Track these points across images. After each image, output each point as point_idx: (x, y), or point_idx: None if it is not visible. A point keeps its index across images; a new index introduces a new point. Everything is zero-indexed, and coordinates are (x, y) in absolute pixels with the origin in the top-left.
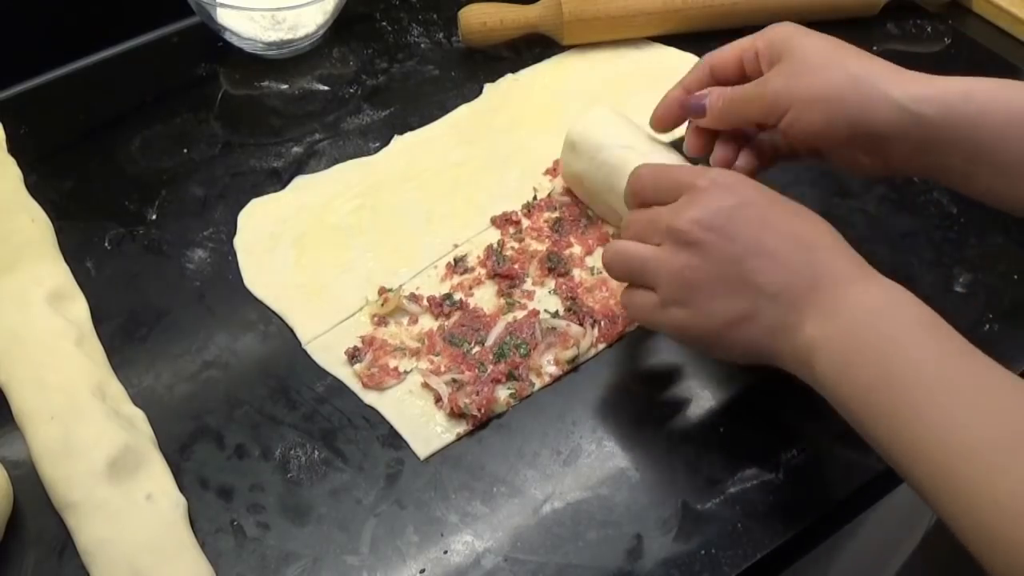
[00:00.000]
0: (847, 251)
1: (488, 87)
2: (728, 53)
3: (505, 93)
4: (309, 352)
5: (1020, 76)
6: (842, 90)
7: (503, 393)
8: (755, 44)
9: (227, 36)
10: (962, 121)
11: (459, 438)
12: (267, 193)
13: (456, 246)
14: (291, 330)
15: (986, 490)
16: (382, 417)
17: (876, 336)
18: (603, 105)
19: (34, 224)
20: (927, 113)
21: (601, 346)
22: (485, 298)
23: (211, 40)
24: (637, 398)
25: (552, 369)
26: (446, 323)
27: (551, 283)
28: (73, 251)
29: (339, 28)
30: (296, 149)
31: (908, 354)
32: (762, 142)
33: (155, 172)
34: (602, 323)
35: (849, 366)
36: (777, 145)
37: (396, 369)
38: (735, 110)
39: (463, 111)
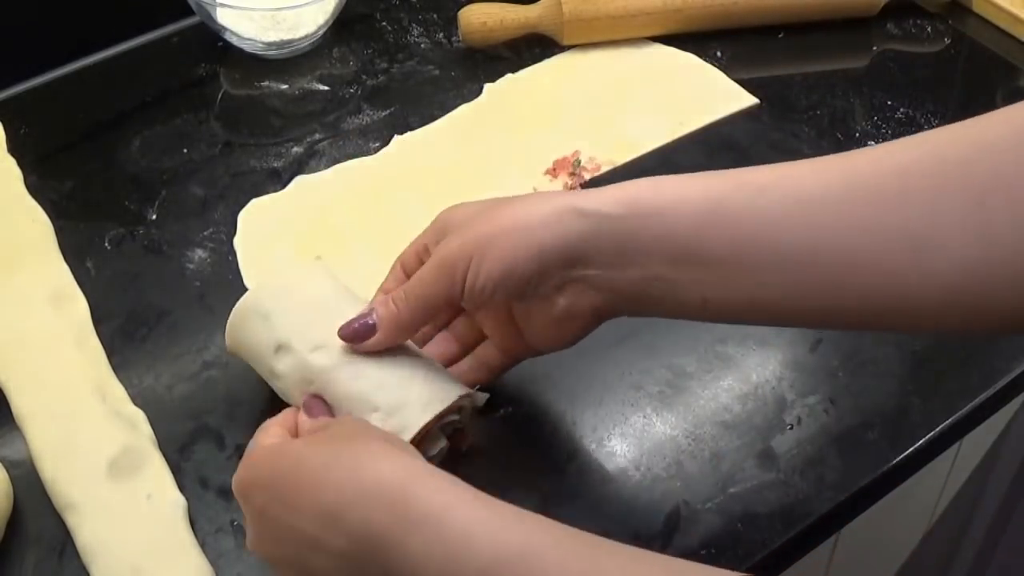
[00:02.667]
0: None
1: (488, 87)
2: (409, 250)
3: (505, 93)
4: None
5: (1020, 76)
6: (520, 218)
7: None
8: (425, 233)
9: (227, 36)
10: (651, 211)
11: None
12: (267, 193)
13: None
14: None
15: None
16: None
17: None
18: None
19: (34, 224)
20: (615, 212)
21: None
22: None
23: (211, 40)
24: (637, 398)
25: None
26: None
27: None
28: (73, 251)
29: (339, 28)
30: (296, 149)
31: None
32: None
33: (155, 172)
34: None
35: None
36: (473, 334)
37: None
38: (416, 302)
39: (463, 111)
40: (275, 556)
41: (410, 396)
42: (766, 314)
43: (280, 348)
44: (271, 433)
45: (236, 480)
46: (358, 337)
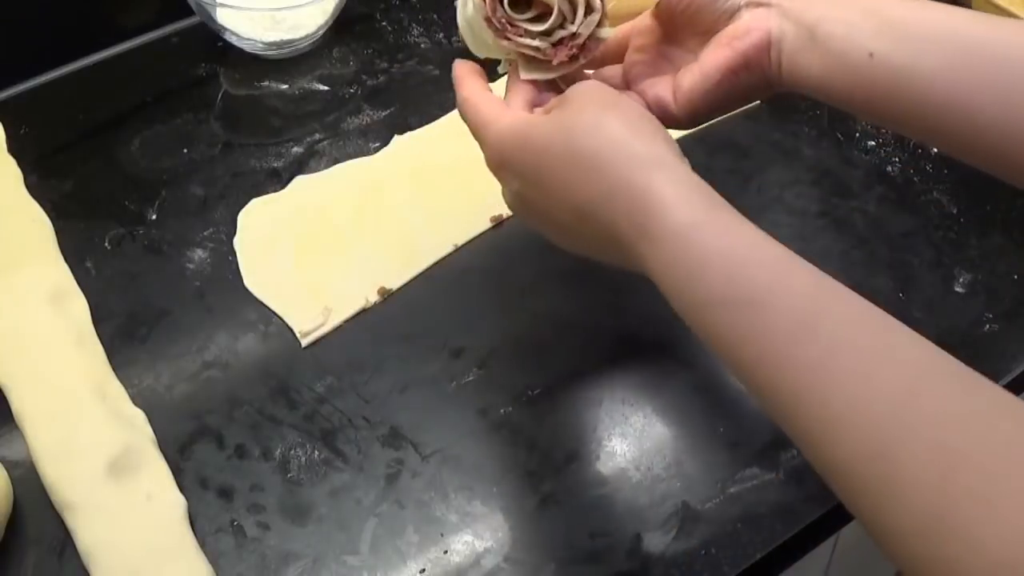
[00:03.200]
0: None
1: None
2: None
3: None
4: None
5: None
6: None
7: None
8: None
9: (227, 36)
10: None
11: None
12: (267, 193)
13: (456, 246)
14: (291, 330)
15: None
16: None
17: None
18: None
19: (34, 224)
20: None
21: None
22: None
23: (211, 40)
24: (636, 398)
25: None
26: None
27: None
28: (73, 251)
29: (339, 28)
30: (296, 149)
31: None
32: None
33: (155, 172)
34: None
35: (687, 288)
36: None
37: None
38: None
39: None
40: (533, 222)
41: None
42: (919, 94)
43: None
44: (513, 105)
45: (487, 158)
46: None
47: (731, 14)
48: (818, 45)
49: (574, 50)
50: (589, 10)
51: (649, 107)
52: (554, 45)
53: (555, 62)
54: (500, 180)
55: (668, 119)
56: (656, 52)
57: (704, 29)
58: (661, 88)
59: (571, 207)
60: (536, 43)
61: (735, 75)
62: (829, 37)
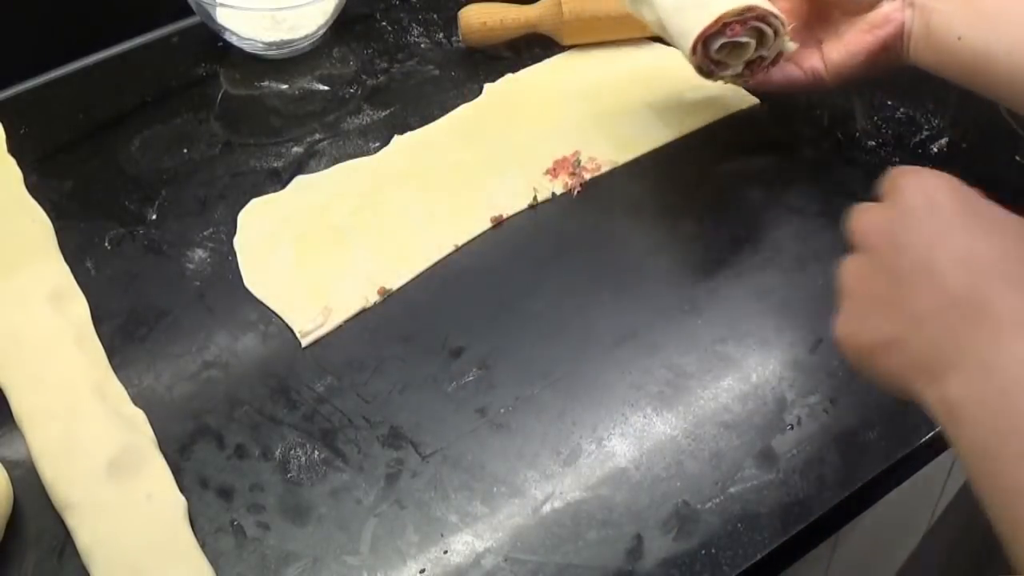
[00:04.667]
0: None
1: (488, 87)
2: None
3: (505, 93)
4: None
5: None
6: None
7: None
8: None
9: (227, 36)
10: None
11: None
12: (267, 193)
13: (456, 247)
14: (291, 330)
15: None
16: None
17: None
18: None
19: (34, 224)
20: None
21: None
22: None
23: (211, 40)
24: (637, 398)
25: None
26: None
27: None
28: (73, 251)
29: (339, 28)
30: (296, 149)
31: None
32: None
33: (155, 172)
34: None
35: (1001, 436)
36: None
37: None
38: None
39: (463, 111)
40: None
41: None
42: (997, 68)
43: None
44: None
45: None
46: None
47: (873, 3)
48: (931, 33)
49: (766, 66)
50: (776, 33)
51: (804, 74)
52: (748, 64)
53: (752, 82)
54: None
55: (818, 83)
56: (805, 27)
57: (851, 11)
58: (814, 60)
59: (917, 305)
60: (739, 70)
61: (876, 56)
62: (937, 25)
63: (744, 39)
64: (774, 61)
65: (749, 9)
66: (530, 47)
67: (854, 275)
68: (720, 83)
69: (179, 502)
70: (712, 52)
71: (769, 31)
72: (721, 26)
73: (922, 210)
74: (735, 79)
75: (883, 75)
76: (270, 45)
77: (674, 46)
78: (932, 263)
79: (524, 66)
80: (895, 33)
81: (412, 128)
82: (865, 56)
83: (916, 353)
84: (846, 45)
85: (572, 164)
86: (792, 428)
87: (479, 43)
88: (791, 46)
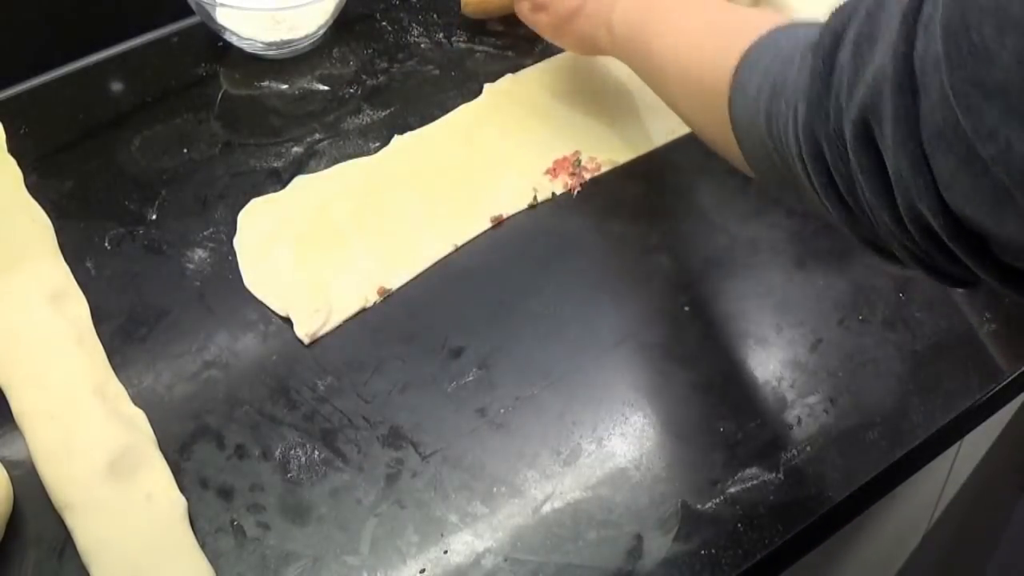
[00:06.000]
0: None
1: (488, 87)
2: None
3: (505, 93)
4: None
5: None
6: None
7: None
8: None
9: (227, 36)
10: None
11: None
12: (267, 193)
13: (456, 247)
14: (291, 330)
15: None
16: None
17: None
18: None
19: (34, 224)
20: None
21: None
22: None
23: (211, 40)
24: (637, 398)
25: None
26: None
27: None
28: (73, 251)
29: (339, 28)
30: (296, 149)
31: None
32: None
33: (155, 172)
34: None
35: (643, 24)
36: None
37: None
38: None
39: (463, 111)
40: None
41: None
42: None
43: None
44: None
45: None
46: None
47: None
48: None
49: None
50: None
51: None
52: None
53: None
54: None
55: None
56: None
57: None
58: None
59: None
60: None
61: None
62: None
63: None
64: None
65: None
66: (530, 47)
67: None
68: None
69: (179, 502)
70: None
71: None
72: None
73: None
74: None
75: None
76: (270, 45)
77: None
78: None
79: (524, 66)
80: None
81: (412, 128)
82: None
83: (592, 9)
84: None
85: (572, 164)
86: (792, 428)
87: (477, 13)
88: None
